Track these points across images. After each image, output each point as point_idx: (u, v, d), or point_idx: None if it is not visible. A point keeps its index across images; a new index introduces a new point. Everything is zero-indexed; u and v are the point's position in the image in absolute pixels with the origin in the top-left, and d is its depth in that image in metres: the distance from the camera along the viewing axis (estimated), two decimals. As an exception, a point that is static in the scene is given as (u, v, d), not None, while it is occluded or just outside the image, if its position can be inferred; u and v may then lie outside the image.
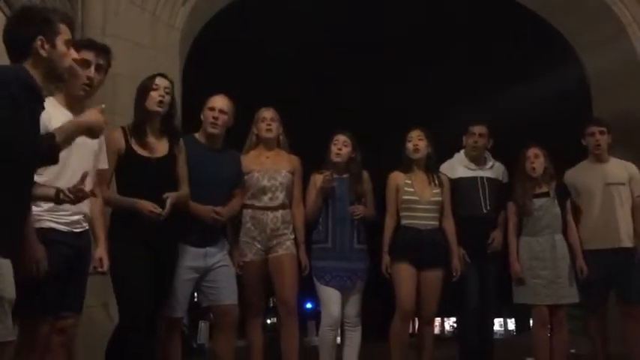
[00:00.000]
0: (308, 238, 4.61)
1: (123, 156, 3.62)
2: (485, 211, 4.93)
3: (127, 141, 3.68)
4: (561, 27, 8.11)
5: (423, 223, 4.61)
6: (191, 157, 3.99)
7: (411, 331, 4.87)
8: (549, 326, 4.76)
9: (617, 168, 4.92)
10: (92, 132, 2.67)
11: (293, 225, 4.46)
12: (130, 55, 5.08)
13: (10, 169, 2.36)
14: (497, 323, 39.41)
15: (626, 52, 7.41)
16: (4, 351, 2.45)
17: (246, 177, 4.35)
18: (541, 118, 20.89)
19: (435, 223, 4.66)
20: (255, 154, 4.52)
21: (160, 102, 3.75)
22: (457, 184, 4.89)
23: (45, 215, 3.06)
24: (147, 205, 3.59)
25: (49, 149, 2.48)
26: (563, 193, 4.86)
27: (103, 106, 2.80)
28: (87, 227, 3.27)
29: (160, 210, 3.59)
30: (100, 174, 3.43)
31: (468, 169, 5.04)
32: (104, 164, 3.45)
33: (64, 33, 2.64)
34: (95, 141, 3.33)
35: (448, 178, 4.87)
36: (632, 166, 4.96)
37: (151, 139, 3.74)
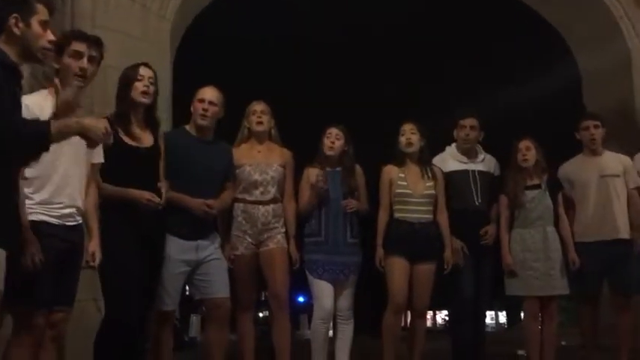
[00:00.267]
0: (300, 231, 4.61)
1: (111, 145, 3.57)
2: (477, 203, 4.94)
3: (114, 130, 3.64)
4: (555, 21, 8.13)
5: (416, 216, 4.61)
6: (182, 149, 3.99)
7: (403, 324, 4.87)
8: (540, 318, 4.79)
9: (612, 160, 4.94)
10: (89, 137, 2.64)
11: (284, 219, 4.45)
12: (120, 47, 5.03)
13: None
14: (489, 316, 39.59)
15: (618, 47, 7.44)
16: None
17: (237, 171, 4.34)
18: (534, 113, 20.98)
19: (429, 216, 4.66)
20: (247, 148, 4.50)
21: (145, 93, 3.72)
22: (449, 178, 4.89)
23: (37, 208, 3.05)
24: (145, 194, 3.58)
25: (39, 135, 2.43)
26: (555, 186, 4.88)
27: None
28: (80, 221, 3.26)
29: (158, 199, 3.57)
30: (95, 167, 3.41)
31: (460, 162, 5.03)
32: (100, 158, 3.43)
33: (41, 13, 2.61)
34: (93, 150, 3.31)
35: (441, 171, 4.86)
36: (626, 159, 4.99)
37: (136, 130, 3.72)
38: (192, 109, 4.15)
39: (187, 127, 4.19)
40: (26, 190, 3.01)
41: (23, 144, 2.41)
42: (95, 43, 3.31)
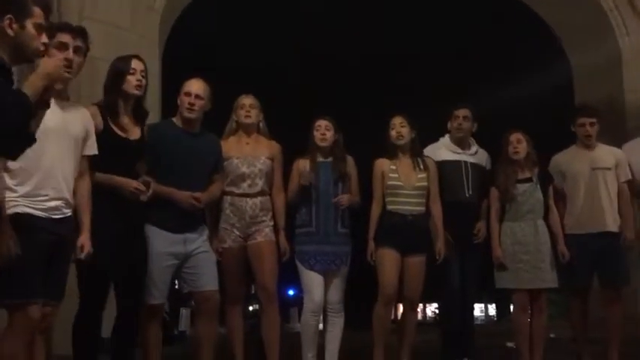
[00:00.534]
0: (292, 222, 4.60)
1: (100, 134, 3.54)
2: (467, 195, 4.96)
3: (104, 119, 3.61)
4: (547, 18, 8.15)
5: (407, 208, 4.60)
6: (169, 141, 3.96)
7: (393, 317, 4.87)
8: (530, 311, 4.80)
9: (605, 153, 4.95)
10: (52, 79, 2.59)
11: (273, 211, 4.44)
12: (108, 39, 4.99)
13: None
14: (478, 309, 39.90)
15: (609, 43, 7.48)
16: None
17: (225, 163, 4.31)
18: (525, 109, 21.03)
19: (421, 208, 4.66)
20: (235, 140, 4.49)
21: (139, 86, 3.69)
22: (441, 167, 4.90)
23: (21, 201, 3.01)
24: (132, 182, 3.56)
25: (21, 102, 2.39)
26: (546, 179, 4.89)
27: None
28: (69, 214, 3.21)
29: (145, 188, 3.56)
30: (88, 160, 3.37)
31: (453, 152, 5.06)
32: (93, 150, 3.39)
33: (37, 16, 2.59)
34: (79, 128, 3.29)
35: (434, 161, 4.86)
36: (619, 152, 5.01)
37: (125, 121, 3.69)
38: (178, 101, 4.11)
39: (174, 119, 4.15)
40: (11, 182, 2.97)
41: (10, 115, 2.37)
42: (80, 34, 3.27)
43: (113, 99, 3.67)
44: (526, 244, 4.71)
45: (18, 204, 2.98)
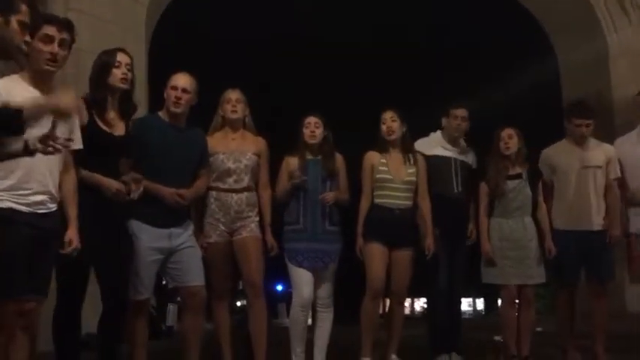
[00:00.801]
0: (280, 220, 4.57)
1: (85, 128, 3.49)
2: (456, 191, 4.96)
3: (90, 113, 3.57)
4: (534, 10, 8.17)
5: (395, 202, 4.60)
6: (155, 135, 3.93)
7: (381, 311, 4.87)
8: (517, 305, 4.82)
9: (596, 151, 4.93)
10: (60, 114, 2.57)
11: (259, 207, 4.42)
12: (93, 31, 4.94)
13: None
14: (466, 303, 40.13)
15: (596, 41, 7.51)
16: None
17: (211, 159, 4.28)
18: (514, 106, 21.08)
19: (409, 202, 4.65)
20: (221, 136, 4.46)
21: (124, 79, 3.66)
22: (431, 161, 4.89)
23: (4, 195, 2.97)
24: (114, 184, 3.52)
25: (10, 117, 2.36)
26: (535, 176, 4.90)
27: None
28: (54, 209, 3.17)
29: (125, 192, 3.52)
30: (73, 154, 3.32)
31: (444, 148, 5.05)
32: (79, 144, 3.34)
33: (22, 14, 2.55)
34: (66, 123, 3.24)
35: (423, 156, 4.85)
36: (610, 149, 5.00)
37: (111, 116, 3.65)
38: (165, 95, 4.08)
39: (160, 113, 4.12)
40: None
41: None
42: (66, 26, 3.22)
43: (101, 94, 3.63)
44: (513, 240, 4.73)
45: (1, 198, 2.95)
